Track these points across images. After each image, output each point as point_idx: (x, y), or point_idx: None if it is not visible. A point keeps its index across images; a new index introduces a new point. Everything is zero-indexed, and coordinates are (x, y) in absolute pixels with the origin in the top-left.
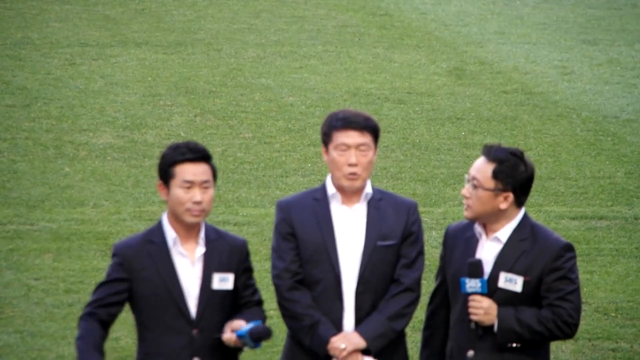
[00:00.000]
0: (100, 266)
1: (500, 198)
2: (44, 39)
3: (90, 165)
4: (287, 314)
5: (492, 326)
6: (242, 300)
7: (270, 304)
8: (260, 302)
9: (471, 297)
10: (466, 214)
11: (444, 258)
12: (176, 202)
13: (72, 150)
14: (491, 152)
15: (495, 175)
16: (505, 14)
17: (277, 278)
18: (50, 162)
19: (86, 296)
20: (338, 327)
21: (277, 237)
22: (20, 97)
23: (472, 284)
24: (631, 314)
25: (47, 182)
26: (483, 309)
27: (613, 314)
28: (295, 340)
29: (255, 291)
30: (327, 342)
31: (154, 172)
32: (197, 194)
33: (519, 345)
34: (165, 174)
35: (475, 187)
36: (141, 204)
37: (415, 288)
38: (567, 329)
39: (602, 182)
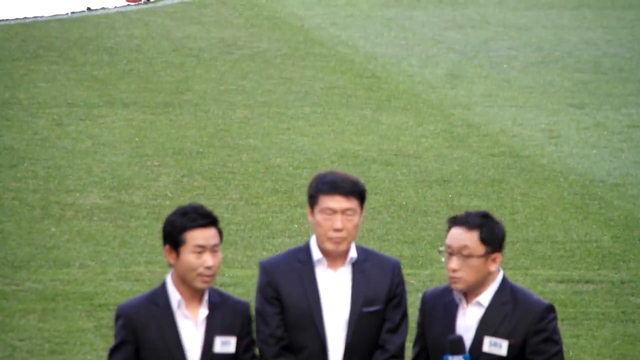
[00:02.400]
0: (85, 327)
1: (489, 261)
2: (31, 99)
3: (76, 225)
4: None
5: None
6: None
7: None
8: None
9: None
10: (458, 286)
11: (422, 325)
12: (188, 268)
13: (59, 211)
14: (469, 220)
15: (483, 240)
16: (493, 77)
17: (262, 343)
18: (37, 222)
19: (72, 357)
20: None
21: (261, 300)
22: (7, 157)
23: None
24: None
25: (33, 242)
26: None
27: None
28: None
29: (255, 357)
30: None
31: (141, 233)
32: (208, 259)
33: None
34: (175, 240)
35: (466, 257)
36: (127, 265)
37: (400, 354)
38: None
39: (589, 246)
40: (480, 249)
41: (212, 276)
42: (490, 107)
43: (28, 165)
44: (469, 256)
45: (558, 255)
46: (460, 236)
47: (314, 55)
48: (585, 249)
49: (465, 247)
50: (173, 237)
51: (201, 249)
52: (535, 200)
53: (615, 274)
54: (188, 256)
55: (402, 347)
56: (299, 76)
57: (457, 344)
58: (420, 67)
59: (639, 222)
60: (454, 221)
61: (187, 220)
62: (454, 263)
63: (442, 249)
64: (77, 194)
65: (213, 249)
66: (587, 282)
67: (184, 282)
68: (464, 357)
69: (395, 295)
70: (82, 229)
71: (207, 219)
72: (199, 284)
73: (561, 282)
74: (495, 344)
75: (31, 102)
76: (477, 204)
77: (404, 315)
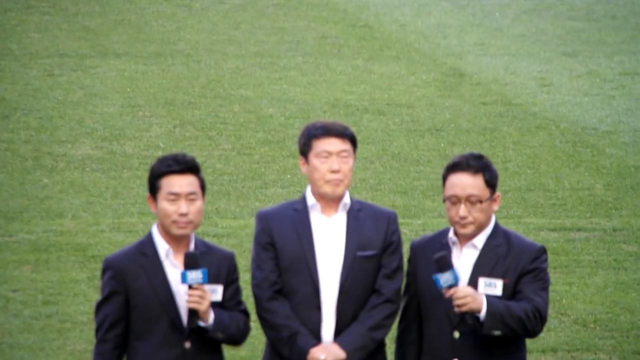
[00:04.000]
0: (78, 277)
1: (493, 202)
2: (23, 49)
3: (69, 176)
4: (267, 325)
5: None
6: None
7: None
8: (246, 314)
9: (453, 290)
10: (467, 230)
11: (411, 274)
12: (163, 215)
13: (51, 162)
14: (471, 165)
15: (487, 183)
16: (485, 26)
17: (256, 288)
18: (29, 173)
19: (65, 307)
20: (316, 337)
21: (256, 247)
22: None
23: (445, 277)
24: (610, 325)
25: (25, 193)
26: (470, 296)
27: (592, 326)
28: (274, 350)
29: (241, 302)
30: (306, 352)
31: (133, 184)
32: (182, 206)
33: (500, 333)
34: (153, 187)
35: (474, 203)
36: (120, 215)
37: (395, 299)
38: (539, 323)
39: (581, 194)
40: (486, 192)
41: (190, 223)
42: (482, 55)
43: (20, 116)
44: (477, 202)
45: (550, 204)
46: (466, 183)
47: (306, 5)
48: (578, 197)
49: (472, 194)
50: (151, 183)
51: (174, 196)
52: (528, 149)
53: (608, 221)
54: (163, 203)
55: (397, 293)
56: (291, 26)
57: (443, 261)
58: (412, 16)
59: (631, 170)
60: (454, 168)
61: (163, 166)
62: (463, 210)
63: None
64: (69, 145)
65: (188, 197)
66: (580, 230)
67: (166, 231)
68: (453, 272)
69: (392, 243)
70: (75, 180)
71: (182, 165)
72: (174, 231)
73: (553, 230)
74: (490, 285)
75: (23, 52)
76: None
77: (400, 264)
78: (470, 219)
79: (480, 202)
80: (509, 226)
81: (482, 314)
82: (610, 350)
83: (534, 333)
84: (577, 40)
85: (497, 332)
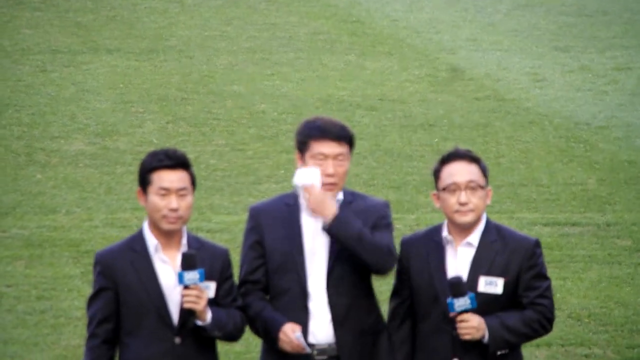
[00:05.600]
0: (72, 273)
1: (486, 195)
2: (15, 45)
3: (62, 172)
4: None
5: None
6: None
7: None
8: (243, 309)
9: (459, 318)
10: (467, 218)
11: (402, 272)
12: (153, 209)
13: (44, 157)
14: (467, 154)
15: (482, 171)
16: (477, 21)
17: (239, 285)
18: (22, 169)
19: (59, 303)
20: (303, 337)
21: (244, 244)
22: None
23: (460, 303)
24: (604, 320)
25: (18, 189)
26: (474, 328)
27: (586, 320)
28: (269, 346)
29: (236, 299)
30: (279, 324)
31: (126, 179)
32: (172, 201)
33: (506, 351)
34: (143, 181)
35: (473, 189)
36: (113, 211)
37: (393, 251)
38: (549, 326)
39: (574, 189)
40: (482, 180)
41: (179, 218)
42: (475, 51)
43: (12, 112)
44: (475, 188)
45: (543, 199)
46: (465, 169)
47: (298, 1)
48: (571, 192)
49: (472, 180)
50: (142, 177)
51: (165, 191)
52: (520, 144)
53: (601, 216)
54: (153, 197)
55: (390, 243)
56: (283, 22)
57: (458, 285)
58: (404, 11)
59: (624, 165)
60: (449, 158)
61: (154, 161)
62: (464, 197)
63: None
64: (62, 141)
65: (179, 192)
66: (573, 224)
67: (156, 226)
68: (470, 297)
69: (384, 217)
70: (68, 176)
71: (173, 161)
72: (164, 225)
73: (547, 225)
74: (490, 283)
75: (15, 48)
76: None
77: (391, 229)
78: (470, 205)
79: (480, 187)
80: (502, 221)
81: (485, 340)
82: (604, 344)
83: (544, 334)
84: (570, 36)
85: (503, 352)
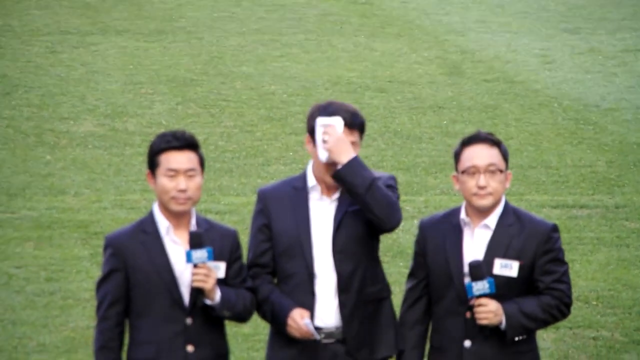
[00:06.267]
0: (81, 254)
1: (505, 178)
2: (25, 26)
3: (71, 153)
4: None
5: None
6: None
7: None
8: (253, 290)
9: (477, 302)
10: (485, 202)
11: (419, 254)
12: (162, 191)
13: (53, 139)
14: (488, 137)
15: (504, 156)
16: (487, 3)
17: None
18: (31, 150)
19: (67, 284)
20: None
21: (252, 227)
22: (0, 85)
23: (479, 287)
24: (612, 302)
25: (28, 170)
26: (492, 312)
27: (594, 303)
28: (275, 329)
29: (246, 280)
30: (287, 309)
31: (135, 161)
32: (181, 182)
33: (524, 337)
34: (152, 163)
35: (493, 173)
36: (122, 192)
37: (399, 208)
38: (566, 310)
39: (583, 171)
40: (502, 164)
41: (189, 199)
42: (484, 33)
43: (22, 93)
44: (495, 171)
45: (552, 181)
46: (485, 152)
47: None
48: (580, 174)
49: (492, 163)
50: (150, 160)
51: (173, 172)
52: (530, 126)
53: (610, 198)
54: (162, 179)
55: (397, 203)
56: (292, 3)
57: (478, 269)
58: None
59: (633, 147)
60: (470, 141)
61: (162, 142)
62: (483, 180)
63: None
64: (71, 122)
65: (187, 173)
66: (582, 207)
67: (165, 208)
68: (488, 282)
69: (390, 186)
70: (77, 157)
71: (181, 142)
72: (173, 207)
73: (555, 207)
74: (506, 266)
75: (24, 29)
76: (472, 130)
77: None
78: (489, 189)
79: (500, 171)
80: (512, 203)
81: (502, 326)
82: (612, 327)
83: (562, 319)
84: (579, 17)
85: (520, 337)
